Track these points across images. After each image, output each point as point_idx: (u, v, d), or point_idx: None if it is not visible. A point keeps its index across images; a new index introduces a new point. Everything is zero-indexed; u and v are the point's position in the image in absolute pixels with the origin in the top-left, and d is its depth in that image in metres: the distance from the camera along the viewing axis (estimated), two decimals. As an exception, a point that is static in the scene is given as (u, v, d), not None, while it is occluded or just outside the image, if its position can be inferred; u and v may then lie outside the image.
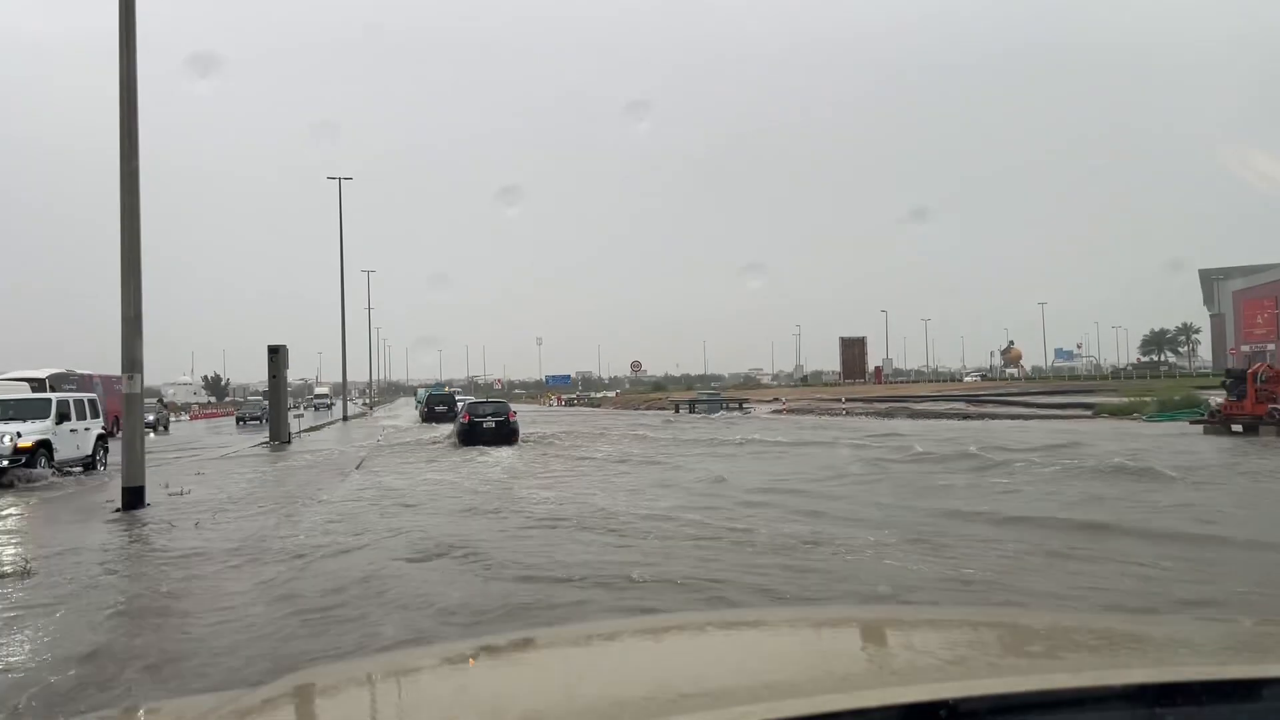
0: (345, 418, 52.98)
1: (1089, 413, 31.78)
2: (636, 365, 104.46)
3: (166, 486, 13.91)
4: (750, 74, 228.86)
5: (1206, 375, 70.11)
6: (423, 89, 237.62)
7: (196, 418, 76.84)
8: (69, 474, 17.62)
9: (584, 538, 8.99)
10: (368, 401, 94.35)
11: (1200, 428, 22.32)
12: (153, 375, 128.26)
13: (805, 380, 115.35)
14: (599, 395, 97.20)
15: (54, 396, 18.07)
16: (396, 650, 4.26)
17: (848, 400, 45.66)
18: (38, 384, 30.07)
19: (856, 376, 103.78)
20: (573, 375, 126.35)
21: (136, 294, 12.45)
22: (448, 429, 31.77)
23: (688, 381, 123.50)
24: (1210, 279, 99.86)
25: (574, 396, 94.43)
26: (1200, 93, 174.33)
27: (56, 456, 17.15)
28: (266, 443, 27.68)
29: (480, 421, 25.21)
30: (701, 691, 1.20)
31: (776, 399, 58.20)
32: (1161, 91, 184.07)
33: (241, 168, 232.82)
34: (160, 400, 78.87)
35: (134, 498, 12.12)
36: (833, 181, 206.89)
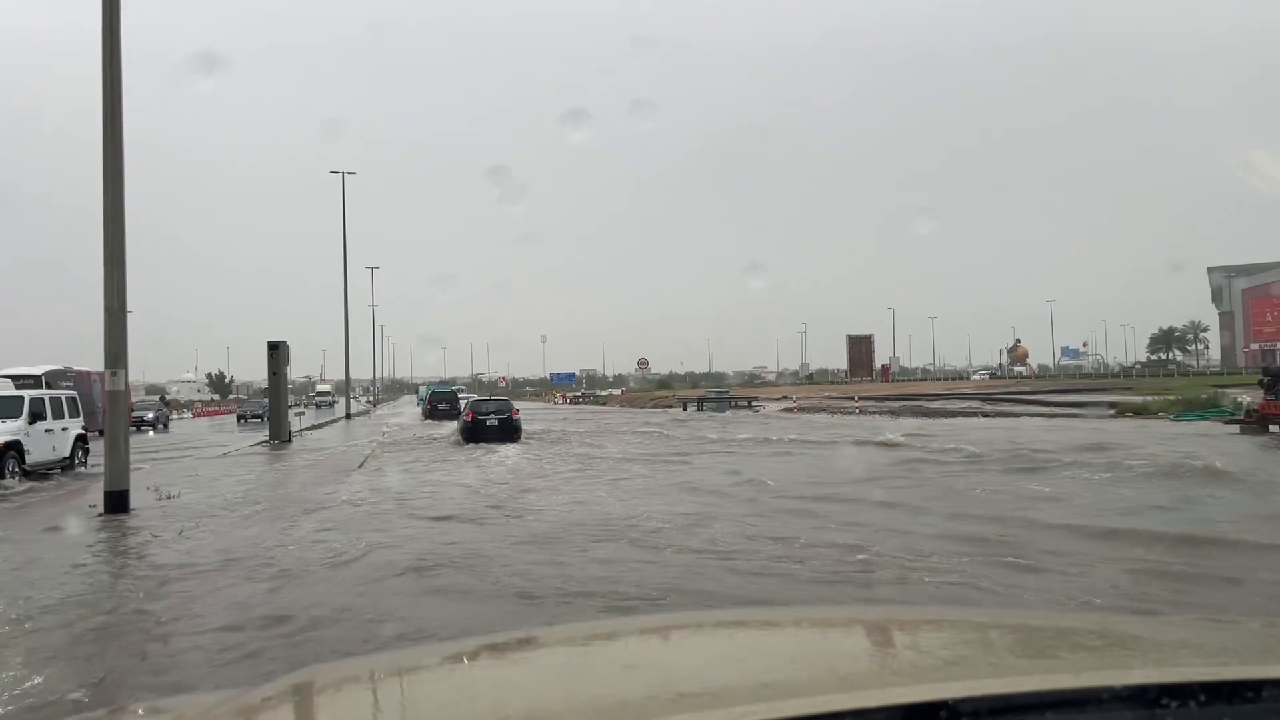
0: (348, 416, 52.31)
1: (1111, 412, 30.94)
2: (643, 363, 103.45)
3: (155, 490, 13.13)
4: (756, 71, 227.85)
5: (1220, 375, 69.31)
6: (428, 87, 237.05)
7: (199, 415, 76.23)
8: (48, 476, 16.62)
9: (600, 551, 8.18)
10: (371, 399, 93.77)
11: (1232, 428, 21.66)
12: (157, 373, 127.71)
13: (811, 378, 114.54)
14: (604, 393, 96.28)
15: (27, 394, 17.00)
16: (398, 649, 4.09)
17: (860, 399, 44.74)
18: (33, 380, 29.40)
19: (864, 374, 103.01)
20: (577, 373, 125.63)
21: (120, 284, 11.66)
22: (451, 427, 31.58)
23: (692, 379, 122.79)
24: (1219, 277, 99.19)
25: (579, 394, 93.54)
26: (1209, 89, 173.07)
27: (29, 459, 16.13)
28: (266, 442, 26.93)
29: (483, 419, 25.22)
30: (703, 691, 1.19)
31: (785, 397, 57.33)
32: (1169, 88, 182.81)
33: (245, 164, 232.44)
34: (162, 398, 78.29)
35: (117, 503, 11.33)
36: (838, 179, 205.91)
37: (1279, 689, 1.03)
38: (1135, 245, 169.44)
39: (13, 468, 15.62)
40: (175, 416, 66.21)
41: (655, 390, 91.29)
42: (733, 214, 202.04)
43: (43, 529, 10.29)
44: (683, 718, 0.99)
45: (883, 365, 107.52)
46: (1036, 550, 7.67)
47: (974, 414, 35.02)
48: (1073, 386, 60.97)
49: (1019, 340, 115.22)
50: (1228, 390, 32.77)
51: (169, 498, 12.55)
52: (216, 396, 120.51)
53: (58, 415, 17.45)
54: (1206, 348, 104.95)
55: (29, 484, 15.49)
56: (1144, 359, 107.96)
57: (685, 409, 50.99)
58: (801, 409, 43.20)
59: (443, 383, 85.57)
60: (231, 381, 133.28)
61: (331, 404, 77.04)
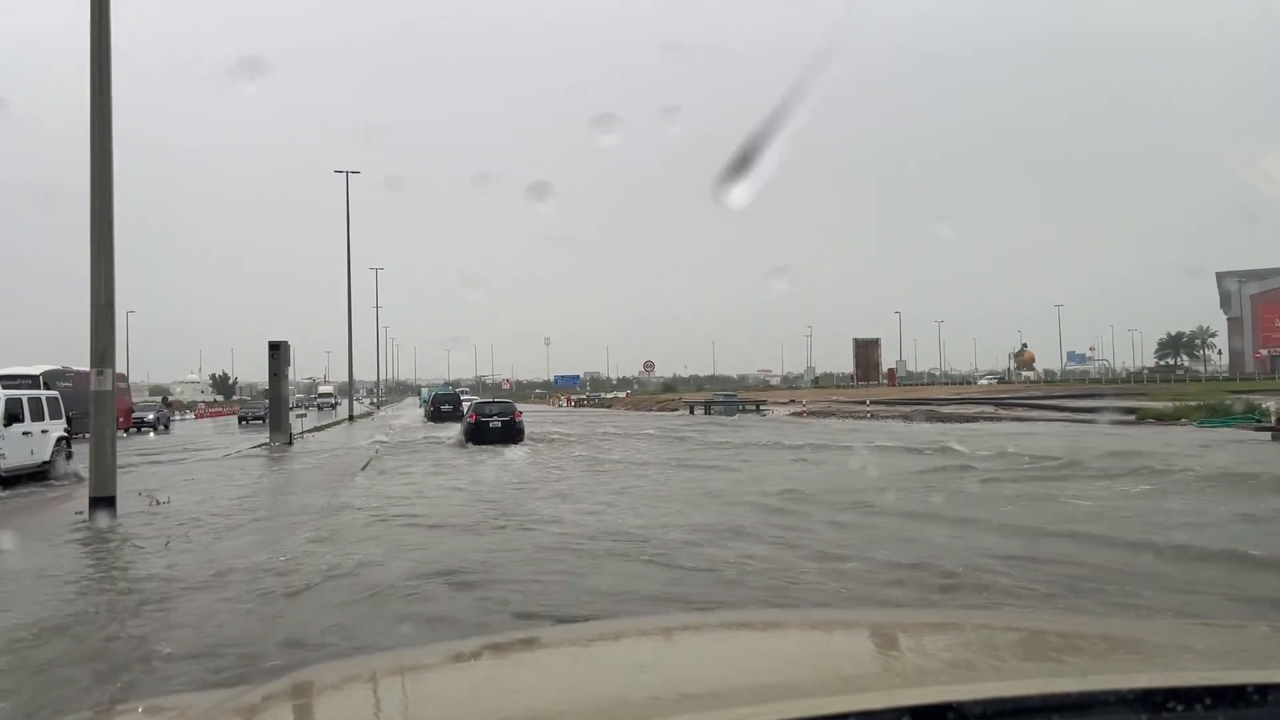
0: (351, 417, 51.67)
1: (1131, 418, 30.15)
2: (649, 365, 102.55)
3: (145, 495, 12.46)
4: (761, 73, 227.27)
5: (1233, 380, 68.53)
6: (432, 89, 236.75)
7: (202, 416, 75.66)
8: (37, 478, 15.91)
9: (617, 567, 7.51)
10: (375, 401, 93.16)
11: (1262, 435, 20.99)
12: (161, 373, 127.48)
13: (816, 382, 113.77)
14: (609, 396, 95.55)
15: (3, 394, 16.08)
16: (401, 649, 3.66)
17: (872, 403, 44.00)
18: (30, 381, 28.87)
19: (870, 378, 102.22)
20: (581, 376, 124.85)
21: (108, 277, 11.02)
22: (454, 429, 31.27)
23: (696, 383, 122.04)
24: (1228, 282, 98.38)
25: (584, 397, 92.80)
26: (1217, 90, 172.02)
27: (3, 464, 15.32)
28: (266, 444, 26.28)
29: (487, 421, 25.43)
30: (706, 692, 1.19)
31: (793, 400, 56.62)
32: (1174, 89, 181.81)
33: (252, 166, 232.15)
34: (164, 399, 77.77)
35: (103, 509, 10.67)
36: (842, 183, 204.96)
37: None
38: (1141, 250, 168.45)
39: None
40: (178, 418, 65.71)
41: (660, 393, 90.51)
42: (736, 217, 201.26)
43: (17, 537, 9.62)
44: (686, 718, 0.97)
45: (889, 369, 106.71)
46: (1148, 577, 6.61)
47: (990, 418, 34.29)
48: (1084, 392, 60.14)
49: (1025, 345, 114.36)
50: (1243, 396, 32.15)
51: (158, 504, 11.89)
52: (220, 397, 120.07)
53: (37, 417, 16.47)
54: (1220, 353, 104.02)
55: (10, 490, 14.74)
56: (1151, 364, 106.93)
57: (692, 412, 50.33)
58: (811, 413, 42.45)
59: (447, 385, 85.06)
60: (235, 383, 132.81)
61: (334, 406, 76.33)
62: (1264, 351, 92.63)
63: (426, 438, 29.91)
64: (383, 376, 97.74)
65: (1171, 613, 5.77)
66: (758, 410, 48.48)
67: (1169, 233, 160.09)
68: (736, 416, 43.83)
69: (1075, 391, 60.83)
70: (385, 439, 29.89)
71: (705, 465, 17.15)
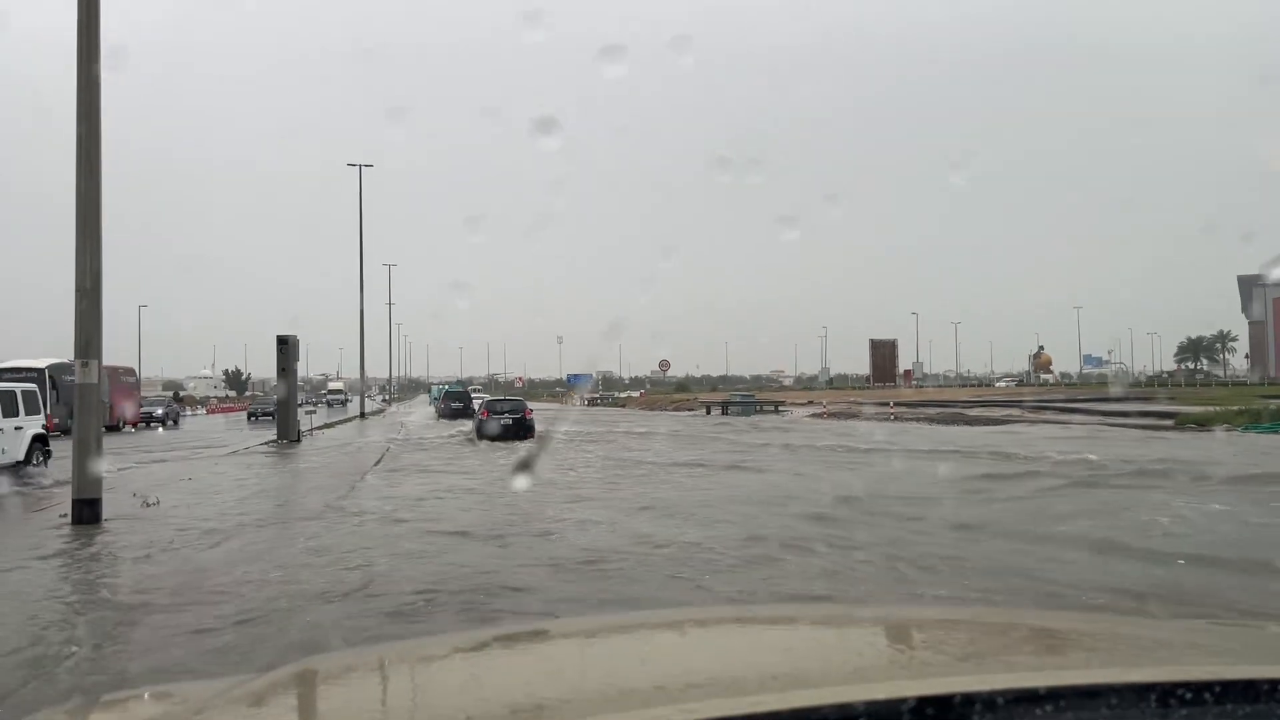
0: (363, 415, 50.94)
1: (1168, 423, 29.00)
2: (665, 364, 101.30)
3: (139, 496, 11.58)
4: (769, 72, 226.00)
5: (1261, 385, 66.99)
6: (439, 86, 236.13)
7: (214, 411, 75.14)
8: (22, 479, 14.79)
9: (634, 591, 6.55)
10: (386, 398, 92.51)
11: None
12: (174, 369, 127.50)
13: (830, 383, 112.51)
14: (622, 395, 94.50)
15: None
16: (409, 640, 3.93)
17: (896, 405, 42.86)
18: (35, 374, 28.25)
19: (887, 380, 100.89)
20: (594, 374, 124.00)
21: (95, 259, 10.15)
22: (465, 426, 31.32)
23: (709, 382, 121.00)
24: (1248, 285, 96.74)
25: (596, 396, 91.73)
26: (1236, 92, 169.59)
27: None
28: (274, 441, 25.49)
29: (498, 418, 25.92)
30: (712, 681, 1.20)
31: (811, 401, 55.51)
32: (1195, 90, 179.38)
33: (266, 160, 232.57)
34: (176, 394, 77.35)
35: (86, 513, 9.82)
36: (853, 183, 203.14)
37: None
38: (1160, 252, 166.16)
39: None
40: (189, 413, 65.24)
41: (673, 393, 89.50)
42: (749, 217, 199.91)
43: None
44: (691, 705, 0.97)
45: (905, 370, 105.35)
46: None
47: (1020, 421, 33.18)
48: (1109, 395, 58.76)
49: (1041, 347, 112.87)
50: (1272, 401, 31.14)
51: (150, 505, 11.03)
52: (233, 393, 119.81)
53: (10, 412, 15.23)
54: (1247, 358, 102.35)
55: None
56: (1170, 369, 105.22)
57: (709, 412, 49.36)
58: (832, 414, 41.39)
59: (459, 383, 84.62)
60: (249, 379, 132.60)
61: (344, 403, 75.47)
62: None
63: (438, 435, 29.48)
64: (395, 374, 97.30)
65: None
66: (776, 411, 47.47)
67: (1188, 235, 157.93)
68: (755, 417, 42.83)
69: (1099, 395, 59.42)
70: (396, 436, 29.40)
71: (754, 468, 16.17)
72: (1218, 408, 31.39)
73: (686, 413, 53.25)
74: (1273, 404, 29.84)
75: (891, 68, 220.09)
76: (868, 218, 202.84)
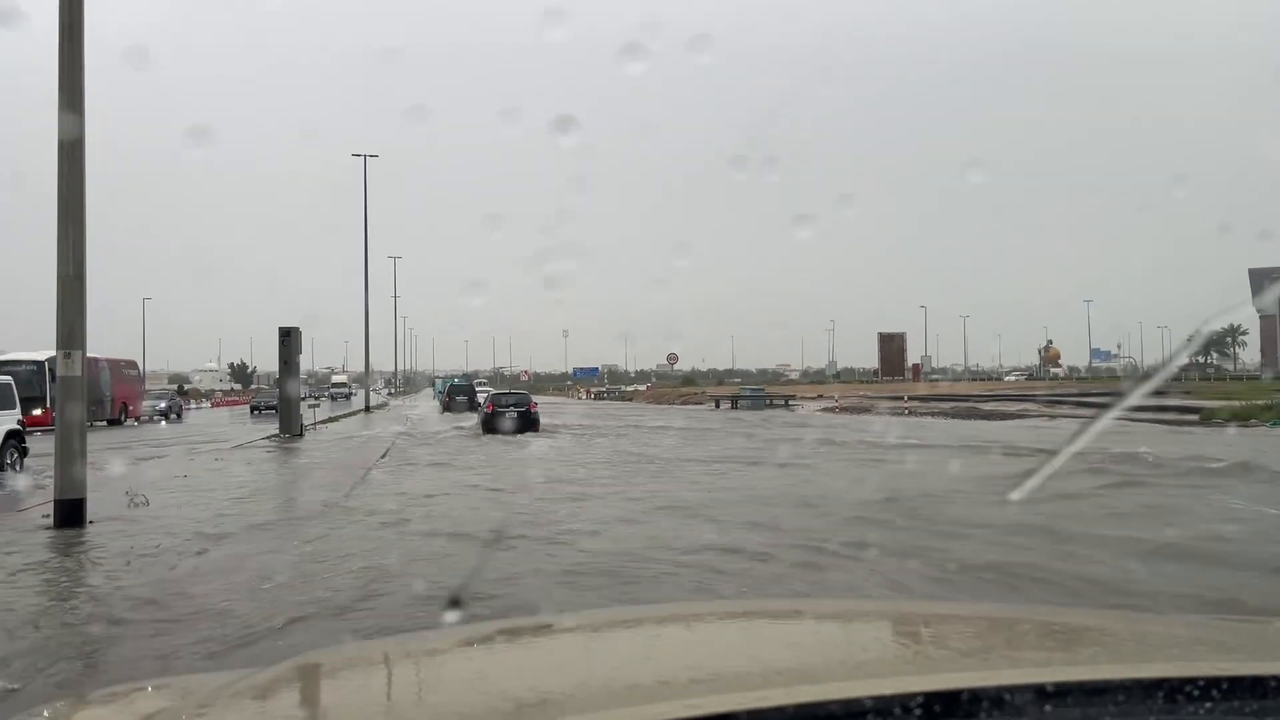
0: (368, 408, 50.38)
1: (1193, 418, 28.30)
2: (673, 358, 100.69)
3: (129, 494, 10.93)
4: (778, 71, 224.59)
5: (1275, 380, 66.07)
6: (450, 80, 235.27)
7: (219, 405, 74.62)
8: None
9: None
10: (392, 391, 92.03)
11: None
12: (181, 362, 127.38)
13: (837, 376, 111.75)
14: (629, 389, 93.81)
15: None
16: (412, 633, 3.59)
17: (910, 399, 42.17)
18: (34, 367, 27.74)
19: (895, 373, 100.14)
20: (600, 368, 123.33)
21: (79, 245, 9.50)
22: (470, 419, 31.36)
23: (715, 376, 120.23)
24: (1260, 279, 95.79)
25: (603, 390, 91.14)
26: (1242, 89, 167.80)
27: None
28: (276, 435, 24.89)
29: (503, 412, 26.28)
30: (716, 676, 1.20)
31: (821, 396, 54.84)
32: (1200, 88, 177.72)
33: (274, 156, 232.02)
34: (180, 388, 76.89)
35: (70, 514, 9.18)
36: (861, 179, 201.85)
37: None
38: (1169, 246, 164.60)
39: None
40: (194, 406, 64.74)
41: (680, 386, 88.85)
42: (756, 212, 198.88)
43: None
44: (695, 700, 0.97)
45: (913, 364, 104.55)
46: None
47: (1039, 415, 32.51)
48: (1122, 390, 57.82)
49: (1050, 341, 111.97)
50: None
51: (138, 505, 10.40)
52: (238, 386, 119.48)
53: None
54: (1268, 352, 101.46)
55: None
56: (1182, 362, 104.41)
57: (718, 406, 48.74)
58: (844, 409, 40.69)
59: (465, 376, 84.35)
60: (254, 372, 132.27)
61: (348, 396, 74.73)
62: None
63: (443, 429, 29.03)
64: (400, 367, 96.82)
65: None
66: (786, 405, 46.79)
67: (1197, 229, 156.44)
68: (766, 412, 42.18)
69: (1111, 389, 58.62)
70: (400, 430, 28.92)
71: (777, 464, 15.50)
72: (1241, 402, 30.73)
73: (695, 407, 52.59)
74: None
75: (898, 66, 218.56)
76: (875, 213, 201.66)
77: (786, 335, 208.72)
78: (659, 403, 62.35)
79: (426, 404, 60.68)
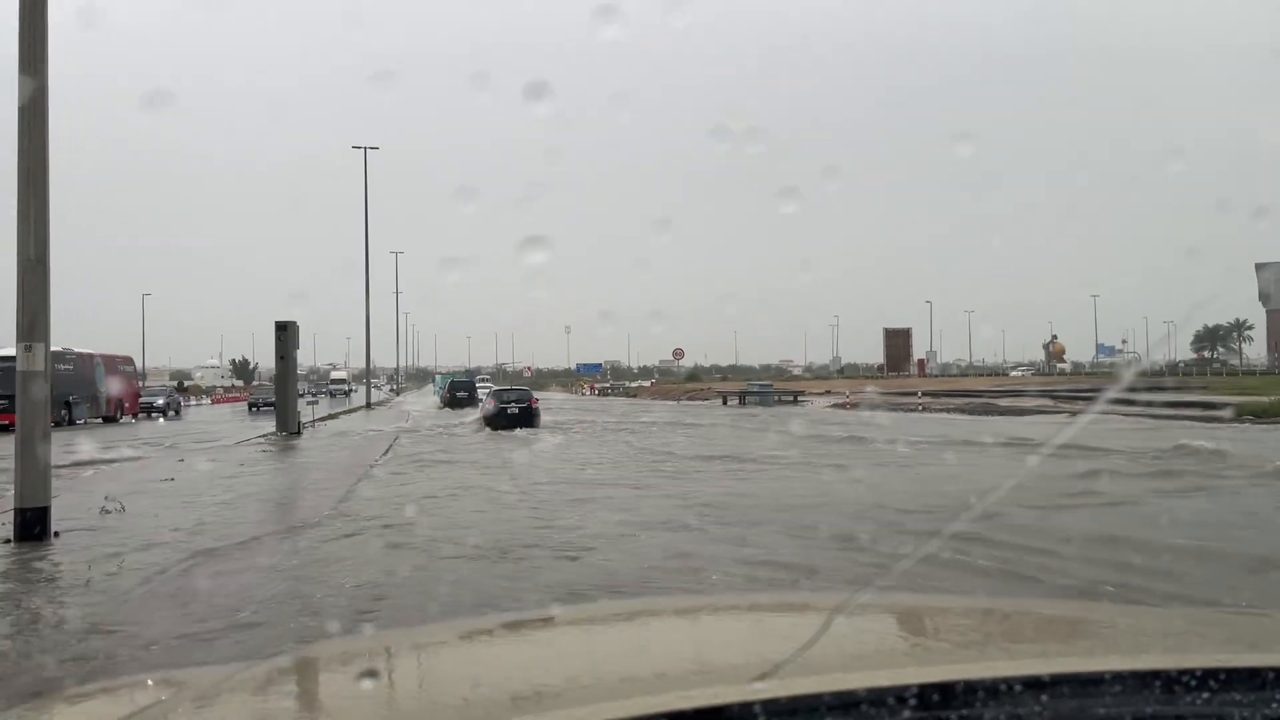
0: (369, 405, 49.51)
1: (1226, 413, 27.31)
2: (679, 353, 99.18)
3: (106, 500, 9.99)
4: (787, 60, 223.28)
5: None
6: (451, 77, 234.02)
7: (219, 401, 73.80)
8: None
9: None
10: (394, 388, 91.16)
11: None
12: (183, 359, 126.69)
13: (842, 372, 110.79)
14: (634, 385, 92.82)
15: None
16: (414, 626, 3.76)
17: (923, 394, 41.12)
18: (12, 363, 26.85)
19: (901, 369, 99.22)
20: (603, 364, 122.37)
21: (41, 224, 8.54)
22: (471, 416, 31.68)
23: (719, 372, 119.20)
24: (1268, 274, 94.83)
25: (608, 385, 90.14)
26: (1245, 87, 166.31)
27: None
28: (272, 434, 23.97)
29: (505, 407, 26.89)
30: (714, 668, 1.21)
31: (829, 391, 53.82)
32: (1210, 88, 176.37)
33: (275, 150, 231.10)
34: (180, 384, 76.04)
35: (30, 526, 8.24)
36: (863, 174, 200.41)
37: None
38: (1174, 241, 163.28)
39: None
40: (193, 403, 63.94)
41: (683, 382, 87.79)
42: (759, 208, 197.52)
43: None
44: (694, 692, 0.97)
45: (919, 360, 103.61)
46: None
47: (1054, 411, 31.54)
48: (1137, 385, 56.79)
49: (1055, 336, 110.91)
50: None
51: (111, 512, 9.46)
52: (240, 383, 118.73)
53: None
54: (1276, 347, 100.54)
55: None
56: (1187, 357, 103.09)
57: (725, 403, 47.83)
58: (855, 405, 39.71)
59: (466, 372, 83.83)
60: (256, 368, 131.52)
61: (347, 393, 73.78)
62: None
63: (444, 425, 28.46)
64: (402, 363, 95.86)
65: None
66: (795, 401, 45.91)
67: (1200, 222, 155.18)
68: (775, 408, 41.28)
69: (1127, 384, 57.47)
70: (401, 426, 28.18)
71: (800, 464, 14.53)
72: (1269, 398, 29.76)
73: (701, 402, 51.66)
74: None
75: (907, 56, 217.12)
76: (878, 207, 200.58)
77: (789, 331, 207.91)
78: (665, 399, 61.35)
79: (428, 400, 59.82)
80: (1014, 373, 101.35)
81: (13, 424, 8.64)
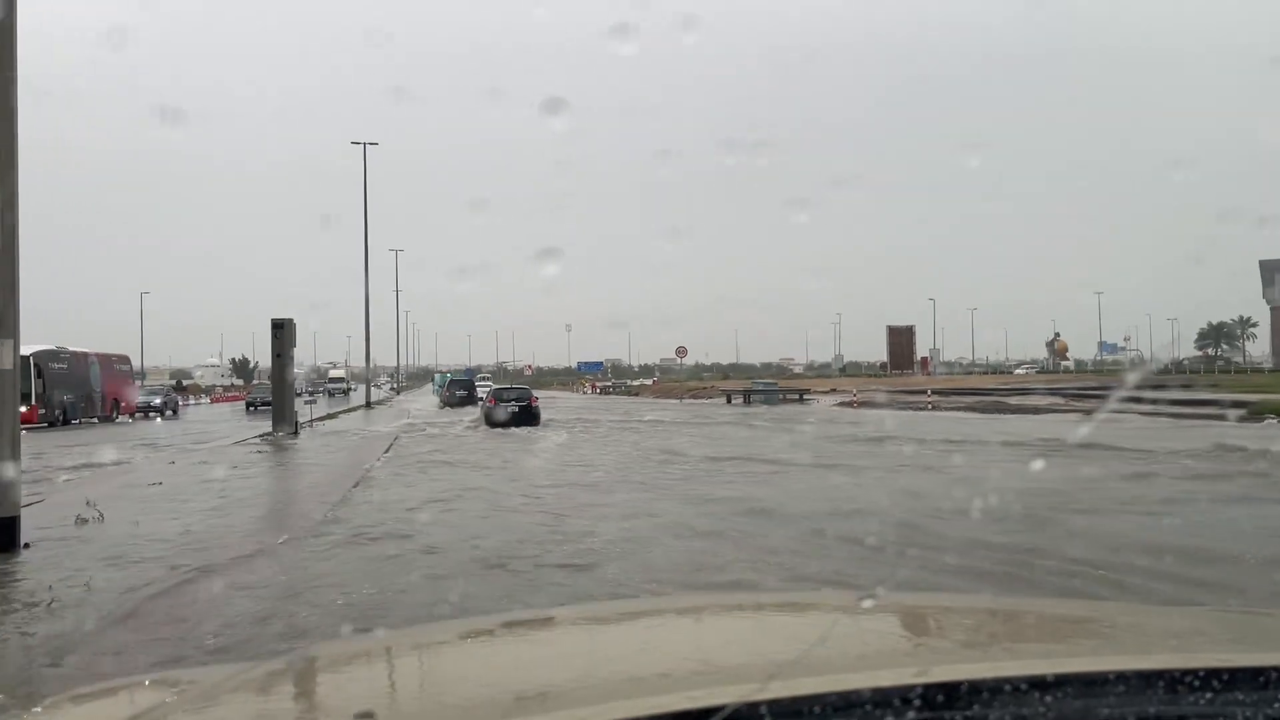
0: (369, 404, 48.93)
1: (1241, 411, 26.75)
2: (682, 351, 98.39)
3: (88, 506, 9.36)
4: (785, 60, 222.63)
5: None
6: (450, 73, 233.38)
7: (218, 400, 73.29)
8: None
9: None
10: (394, 387, 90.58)
11: None
12: (183, 358, 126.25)
13: (844, 370, 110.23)
14: (635, 383, 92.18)
15: None
16: (414, 625, 3.67)
17: (932, 393, 40.50)
18: (21, 362, 26.34)
19: (904, 367, 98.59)
20: (604, 362, 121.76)
21: (10, 213, 7.94)
22: (471, 415, 31.67)
23: (720, 370, 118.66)
24: (1271, 270, 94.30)
25: (609, 384, 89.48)
26: (1245, 85, 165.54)
27: None
28: (269, 434, 23.37)
29: (505, 405, 26.76)
30: (718, 668, 1.20)
31: (835, 390, 53.24)
32: (1213, 86, 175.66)
33: (275, 150, 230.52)
34: (179, 383, 75.40)
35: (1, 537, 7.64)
36: (865, 172, 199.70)
37: None
38: (1177, 238, 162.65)
39: None
40: (192, 402, 63.39)
41: (687, 381, 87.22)
42: (760, 207, 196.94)
43: None
44: (697, 692, 0.96)
45: (923, 358, 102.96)
46: None
47: (1067, 410, 31.07)
48: (1145, 383, 56.16)
49: (1058, 334, 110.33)
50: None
51: (88, 521, 8.84)
52: (240, 382, 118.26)
53: None
54: (1247, 344, 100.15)
55: None
56: (1191, 355, 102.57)
57: (729, 401, 47.27)
58: (863, 404, 39.11)
59: (466, 371, 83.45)
60: (255, 367, 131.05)
61: (346, 392, 73.01)
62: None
63: (444, 424, 28.07)
64: (403, 362, 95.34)
65: None
66: (800, 400, 45.34)
67: (1203, 221, 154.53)
68: (780, 407, 40.69)
69: (1136, 382, 56.84)
70: (401, 425, 27.75)
71: (821, 465, 13.94)
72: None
73: (705, 401, 51.09)
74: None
75: (907, 56, 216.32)
76: (879, 206, 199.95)
77: (789, 330, 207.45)
78: (667, 397, 60.74)
79: (428, 399, 59.28)
80: (1018, 371, 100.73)
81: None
